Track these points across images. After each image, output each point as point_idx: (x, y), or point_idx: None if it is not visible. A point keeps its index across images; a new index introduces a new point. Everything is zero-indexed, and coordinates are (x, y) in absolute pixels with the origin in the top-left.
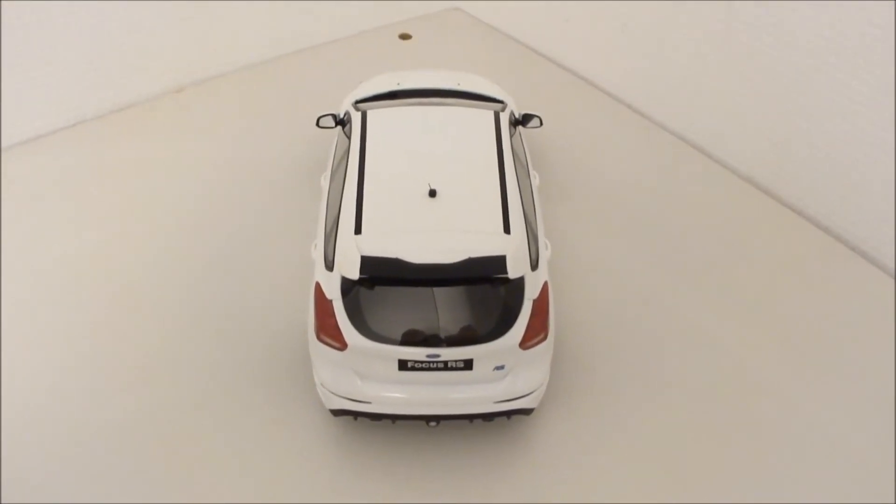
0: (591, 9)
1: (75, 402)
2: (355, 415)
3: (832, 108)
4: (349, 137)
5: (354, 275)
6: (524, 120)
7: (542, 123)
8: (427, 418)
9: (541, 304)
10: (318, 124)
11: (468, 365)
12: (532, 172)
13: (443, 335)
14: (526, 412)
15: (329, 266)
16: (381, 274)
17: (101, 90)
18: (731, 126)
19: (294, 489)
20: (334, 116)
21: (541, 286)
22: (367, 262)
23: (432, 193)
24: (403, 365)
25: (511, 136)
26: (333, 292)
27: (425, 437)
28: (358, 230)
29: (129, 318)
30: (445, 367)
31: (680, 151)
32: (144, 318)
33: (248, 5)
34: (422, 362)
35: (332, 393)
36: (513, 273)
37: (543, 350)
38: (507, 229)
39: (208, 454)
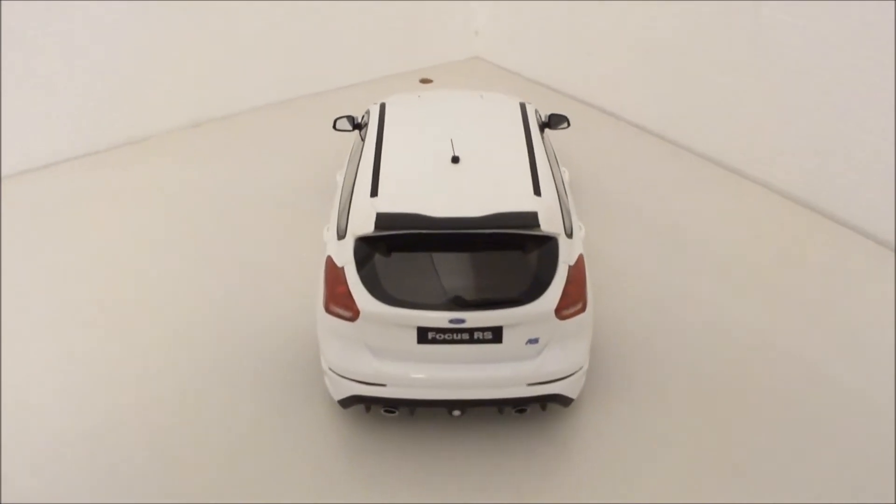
0: (613, 40)
1: (77, 402)
2: (367, 403)
3: (868, 109)
4: (365, 139)
5: (369, 229)
6: (551, 121)
7: (569, 124)
8: (450, 405)
9: (577, 272)
10: (334, 127)
11: (497, 336)
12: (562, 168)
13: (468, 297)
14: (564, 402)
15: (342, 235)
16: (398, 228)
17: (118, 122)
18: (758, 141)
19: (303, 492)
20: (351, 119)
21: (577, 256)
22: (383, 218)
23: (455, 160)
24: (423, 336)
25: (541, 132)
26: (345, 257)
27: (448, 432)
28: (374, 193)
29: (136, 325)
30: (471, 338)
31: (711, 173)
32: (152, 326)
33: (275, 46)
34: (444, 331)
35: (342, 377)
36: (545, 227)
37: (581, 325)
38: (537, 192)
39: (212, 456)
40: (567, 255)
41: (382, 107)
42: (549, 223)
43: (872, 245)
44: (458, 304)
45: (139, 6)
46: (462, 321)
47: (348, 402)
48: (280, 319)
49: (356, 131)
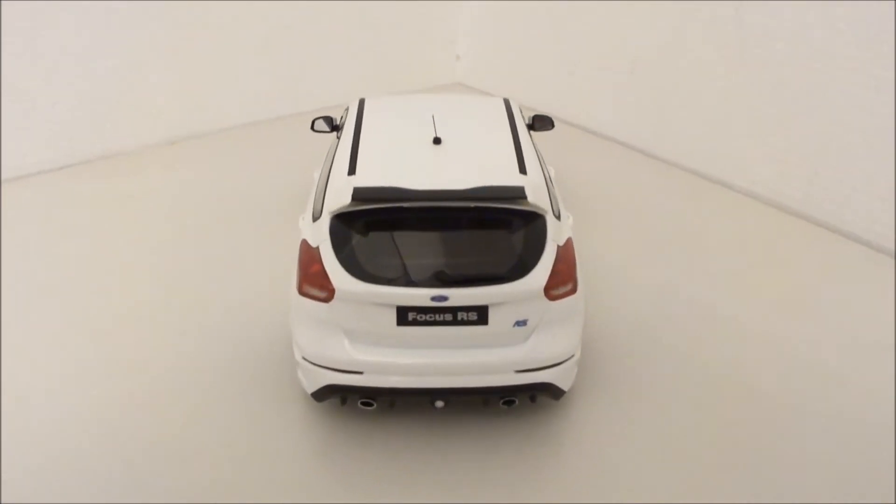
0: (596, 59)
1: (71, 404)
2: (343, 394)
3: (862, 114)
4: (342, 132)
5: (345, 202)
6: (535, 123)
7: (553, 126)
8: (432, 394)
9: (567, 253)
10: (312, 127)
11: (482, 317)
12: (548, 167)
13: (451, 273)
14: (555, 393)
15: (317, 216)
16: (377, 201)
17: (94, 136)
18: (747, 153)
19: (279, 496)
20: (329, 120)
21: (566, 238)
22: (361, 191)
23: (437, 141)
24: (403, 317)
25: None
26: (321, 237)
27: (430, 430)
28: (352, 172)
29: (120, 330)
30: (455, 319)
31: (701, 186)
32: (133, 328)
33: (257, 66)
34: (426, 311)
35: (316, 365)
36: (532, 199)
37: (572, 309)
38: (522, 171)
39: (192, 459)
40: (556, 234)
41: (362, 102)
42: (536, 197)
43: (870, 252)
44: (441, 280)
45: (120, 25)
46: (444, 299)
47: (322, 394)
48: (257, 319)
49: (334, 133)
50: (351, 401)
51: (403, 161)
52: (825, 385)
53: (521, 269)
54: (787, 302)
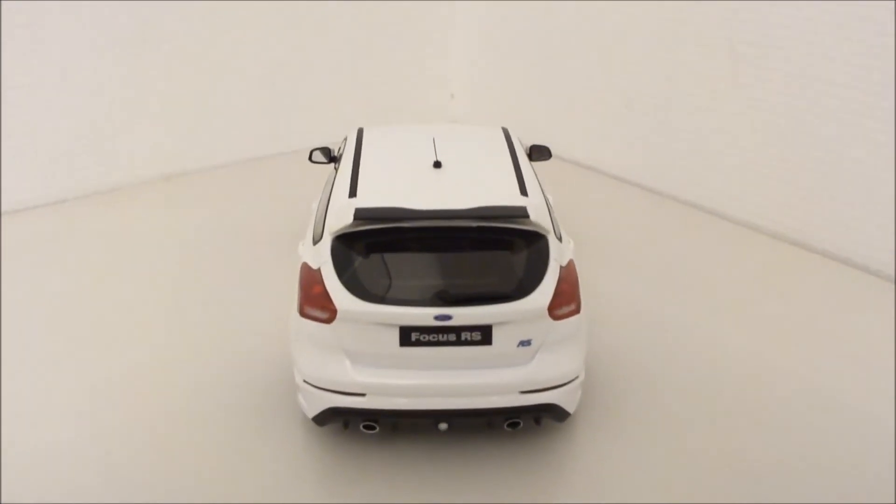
0: (591, 95)
1: (68, 435)
2: (345, 417)
3: (853, 134)
4: (341, 160)
5: (347, 222)
6: (532, 153)
7: (551, 155)
8: (436, 416)
9: (570, 273)
10: (310, 158)
11: (486, 337)
12: (547, 195)
13: (454, 292)
14: (560, 415)
15: (317, 239)
16: (379, 221)
17: (89, 171)
18: (747, 184)
19: None
20: (327, 151)
21: (568, 260)
22: (363, 211)
23: (437, 164)
24: (406, 337)
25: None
26: (322, 258)
27: (434, 455)
28: (353, 194)
29: (117, 355)
30: (458, 339)
31: (698, 218)
32: (131, 357)
33: (251, 104)
34: (429, 331)
35: (317, 388)
36: (535, 218)
37: (576, 329)
38: (524, 193)
39: (192, 489)
40: (558, 254)
41: (360, 130)
42: (539, 217)
43: (870, 277)
44: (444, 299)
45: (116, 62)
46: (448, 318)
47: (324, 418)
48: (255, 349)
49: (331, 164)
50: (353, 424)
51: (404, 183)
52: (827, 410)
53: (524, 288)
54: (789, 329)
